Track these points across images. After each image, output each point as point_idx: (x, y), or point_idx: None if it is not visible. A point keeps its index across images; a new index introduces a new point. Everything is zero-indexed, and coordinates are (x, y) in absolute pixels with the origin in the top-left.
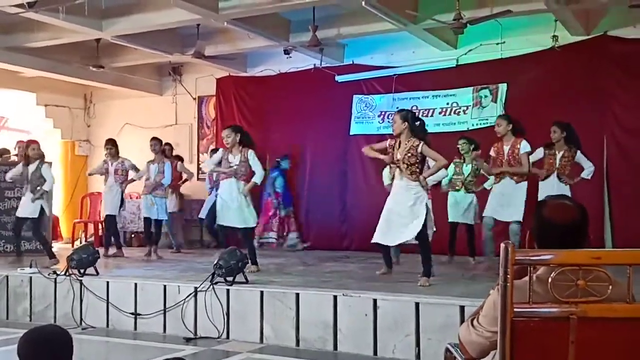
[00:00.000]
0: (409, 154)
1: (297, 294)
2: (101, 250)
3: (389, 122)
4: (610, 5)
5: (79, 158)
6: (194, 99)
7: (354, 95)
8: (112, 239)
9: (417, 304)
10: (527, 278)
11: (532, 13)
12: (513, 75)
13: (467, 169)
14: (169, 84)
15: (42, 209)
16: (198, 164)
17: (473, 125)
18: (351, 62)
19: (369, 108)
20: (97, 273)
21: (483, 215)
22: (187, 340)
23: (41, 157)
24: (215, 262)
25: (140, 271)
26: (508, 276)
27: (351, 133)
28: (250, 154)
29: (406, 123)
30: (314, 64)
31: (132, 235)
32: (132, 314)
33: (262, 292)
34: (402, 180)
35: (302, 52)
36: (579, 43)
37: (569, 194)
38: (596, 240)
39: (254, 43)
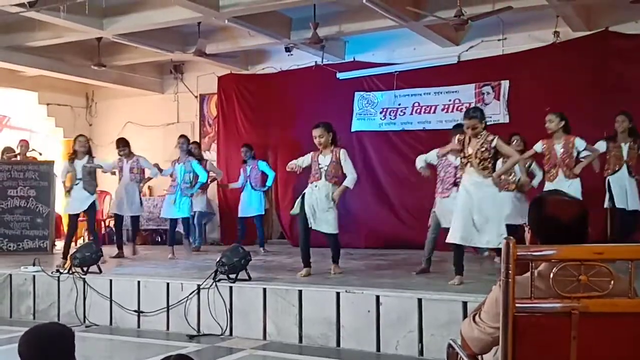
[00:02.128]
0: (483, 149)
1: (300, 291)
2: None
3: (390, 118)
4: (611, 1)
5: None
6: (196, 97)
7: (356, 92)
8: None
9: (419, 300)
10: (528, 274)
11: (534, 9)
12: (515, 71)
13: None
14: (170, 82)
15: (93, 202)
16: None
17: None
18: (352, 59)
19: (370, 105)
20: (100, 271)
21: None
22: (191, 337)
23: (89, 151)
24: (218, 259)
25: (143, 269)
26: (510, 272)
27: (353, 130)
28: (343, 154)
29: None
30: (315, 61)
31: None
32: (135, 311)
33: (264, 289)
34: (473, 176)
35: (304, 49)
36: (580, 39)
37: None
38: (596, 235)
39: (255, 41)
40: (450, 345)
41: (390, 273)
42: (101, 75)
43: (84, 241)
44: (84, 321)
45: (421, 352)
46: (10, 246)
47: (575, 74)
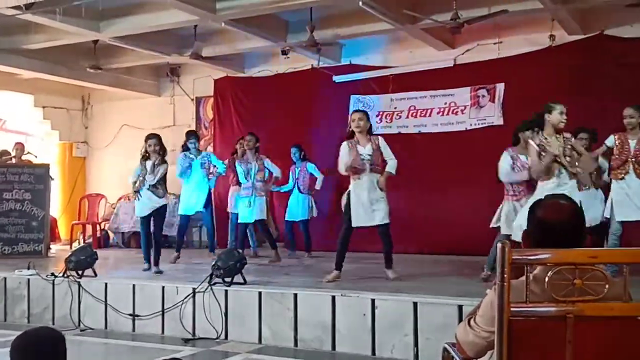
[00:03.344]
0: (568, 146)
1: (295, 295)
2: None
3: (386, 122)
4: (607, 5)
5: (77, 159)
6: (192, 99)
7: (352, 96)
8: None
9: (415, 304)
10: (524, 278)
11: (529, 12)
12: (510, 74)
13: None
14: (166, 85)
15: (164, 206)
16: None
17: (471, 125)
18: (349, 62)
19: (366, 108)
20: (95, 274)
21: (608, 217)
22: (186, 341)
23: (163, 151)
24: (213, 262)
25: (138, 272)
26: (505, 276)
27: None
28: (382, 141)
29: None
30: (312, 64)
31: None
32: (130, 315)
33: (260, 293)
34: (561, 178)
35: (300, 52)
36: (575, 42)
37: None
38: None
39: (252, 44)
40: (445, 349)
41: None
42: (97, 78)
43: (79, 244)
44: (79, 325)
45: (416, 356)
46: (5, 249)
47: (571, 78)
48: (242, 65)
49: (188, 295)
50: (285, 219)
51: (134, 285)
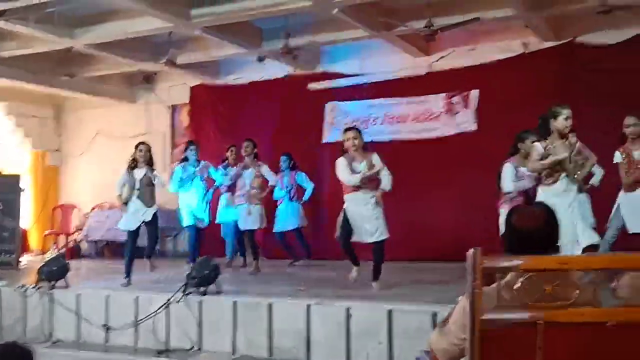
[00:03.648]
0: (575, 151)
1: (270, 304)
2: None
3: (362, 129)
4: (579, 11)
5: (50, 168)
6: (168, 107)
7: (327, 103)
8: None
9: (389, 312)
10: (495, 284)
11: (502, 20)
12: (484, 81)
13: None
14: (141, 92)
15: (155, 215)
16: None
17: (446, 131)
18: (324, 70)
19: (342, 115)
20: (67, 285)
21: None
22: (159, 352)
23: (150, 160)
24: (187, 272)
25: (111, 283)
26: (476, 282)
27: (324, 141)
28: (377, 157)
29: None
30: (287, 72)
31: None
32: (103, 326)
33: (234, 302)
34: (563, 184)
35: (275, 59)
36: (549, 49)
37: None
38: None
39: (227, 51)
40: (418, 358)
41: (358, 285)
42: (71, 86)
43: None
44: (50, 337)
45: None
46: None
47: (544, 84)
48: (218, 73)
49: (162, 306)
50: (275, 230)
51: (106, 296)
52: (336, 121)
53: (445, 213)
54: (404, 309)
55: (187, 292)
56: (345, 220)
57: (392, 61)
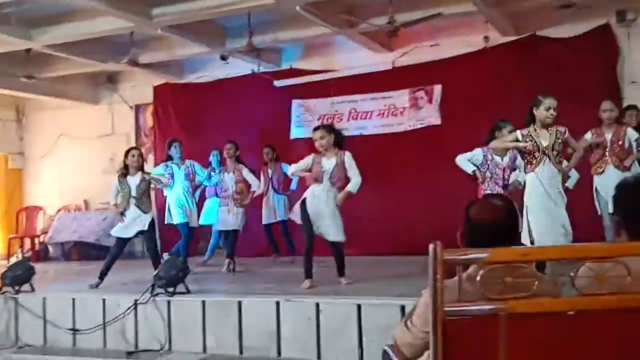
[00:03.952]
0: (559, 141)
1: (240, 302)
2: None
3: None
4: (539, 6)
5: (13, 171)
6: (131, 107)
7: (293, 100)
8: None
9: (359, 306)
10: (457, 277)
11: (463, 15)
12: (447, 76)
13: None
14: (104, 93)
15: (152, 221)
16: None
17: (410, 126)
18: (289, 67)
19: (308, 112)
20: (33, 289)
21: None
22: (129, 354)
23: (142, 166)
24: (155, 272)
25: (78, 285)
26: (438, 276)
27: (291, 137)
28: (348, 157)
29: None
30: (252, 69)
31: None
32: (70, 330)
33: (203, 302)
34: (550, 171)
35: (239, 57)
36: (509, 43)
37: None
38: None
39: (190, 50)
40: (385, 352)
41: (329, 279)
42: (31, 87)
43: (17, 259)
44: (17, 342)
45: (361, 358)
46: None
47: (505, 78)
48: (182, 72)
49: (130, 307)
50: (263, 222)
51: (73, 299)
52: (302, 118)
53: (412, 206)
54: (373, 303)
55: (155, 293)
56: (305, 213)
57: (356, 58)
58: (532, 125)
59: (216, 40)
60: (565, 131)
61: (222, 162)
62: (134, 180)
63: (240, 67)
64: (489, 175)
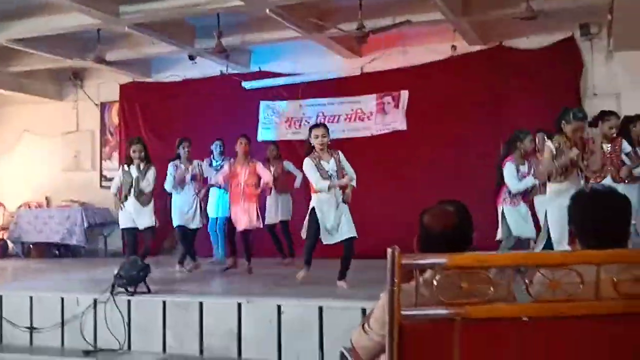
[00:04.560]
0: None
1: (201, 303)
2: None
3: (295, 128)
4: (505, 17)
5: None
6: (97, 105)
7: (261, 102)
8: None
9: (320, 308)
10: (414, 282)
11: (432, 23)
12: (414, 82)
13: None
14: (69, 89)
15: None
16: (101, 171)
17: (377, 130)
18: (258, 69)
19: (275, 114)
20: None
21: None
22: (86, 353)
23: (148, 157)
24: (115, 272)
25: (36, 283)
26: (395, 280)
27: (259, 139)
28: (342, 156)
29: None
30: (220, 70)
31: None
32: (27, 328)
33: (164, 302)
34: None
35: (208, 58)
36: (476, 53)
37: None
38: (490, 242)
39: (158, 48)
40: (342, 354)
41: (294, 281)
42: None
43: None
44: None
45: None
46: None
47: (471, 87)
48: (149, 70)
49: (89, 306)
50: (266, 222)
51: (31, 297)
52: (270, 120)
53: (376, 210)
54: (334, 305)
55: (115, 292)
56: (314, 220)
57: (325, 62)
58: (561, 135)
59: (185, 39)
60: (590, 137)
61: (224, 153)
62: (135, 173)
63: (209, 67)
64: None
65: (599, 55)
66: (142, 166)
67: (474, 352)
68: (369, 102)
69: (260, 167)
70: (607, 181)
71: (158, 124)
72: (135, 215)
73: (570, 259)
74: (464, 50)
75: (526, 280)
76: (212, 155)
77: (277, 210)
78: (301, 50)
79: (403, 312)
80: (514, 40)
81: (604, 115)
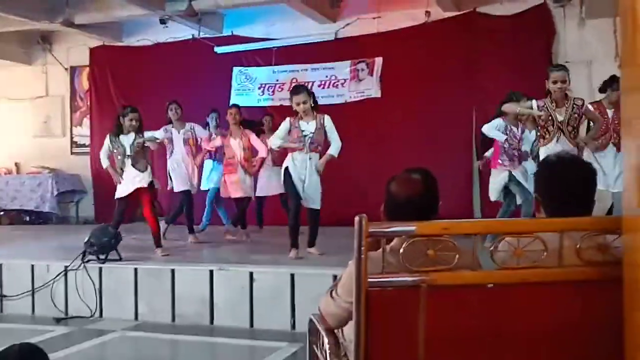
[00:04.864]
0: (575, 115)
1: (173, 270)
2: None
3: (269, 94)
4: None
5: None
6: (66, 69)
7: (234, 67)
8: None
9: (292, 275)
10: (381, 249)
11: None
12: (388, 49)
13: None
14: (38, 53)
15: (152, 181)
16: (71, 138)
17: (351, 97)
18: (230, 34)
19: (249, 80)
20: None
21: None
22: (58, 320)
23: (140, 127)
24: (86, 239)
25: (6, 251)
26: (362, 248)
27: (231, 105)
28: (329, 120)
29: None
30: (192, 35)
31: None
32: None
33: (136, 270)
34: (561, 146)
35: (180, 22)
36: (450, 19)
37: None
38: (463, 208)
39: (129, 11)
40: (311, 320)
41: (267, 249)
42: None
43: None
44: None
45: (293, 326)
46: None
47: (445, 53)
48: (120, 34)
49: (60, 274)
50: (257, 194)
51: (0, 265)
52: (243, 86)
53: (351, 179)
54: (306, 272)
55: (86, 260)
56: (289, 181)
57: (299, 27)
58: (548, 96)
59: (155, 2)
60: (582, 103)
61: (221, 125)
62: (128, 139)
63: (181, 31)
64: (507, 145)
65: (571, 22)
66: (135, 136)
67: (439, 318)
68: (342, 68)
69: (254, 139)
70: (610, 149)
71: (129, 88)
72: (137, 179)
73: (534, 226)
74: (438, 16)
75: (491, 248)
76: (207, 128)
77: (272, 183)
78: (274, 15)
79: (370, 280)
80: (488, 7)
81: (614, 80)
